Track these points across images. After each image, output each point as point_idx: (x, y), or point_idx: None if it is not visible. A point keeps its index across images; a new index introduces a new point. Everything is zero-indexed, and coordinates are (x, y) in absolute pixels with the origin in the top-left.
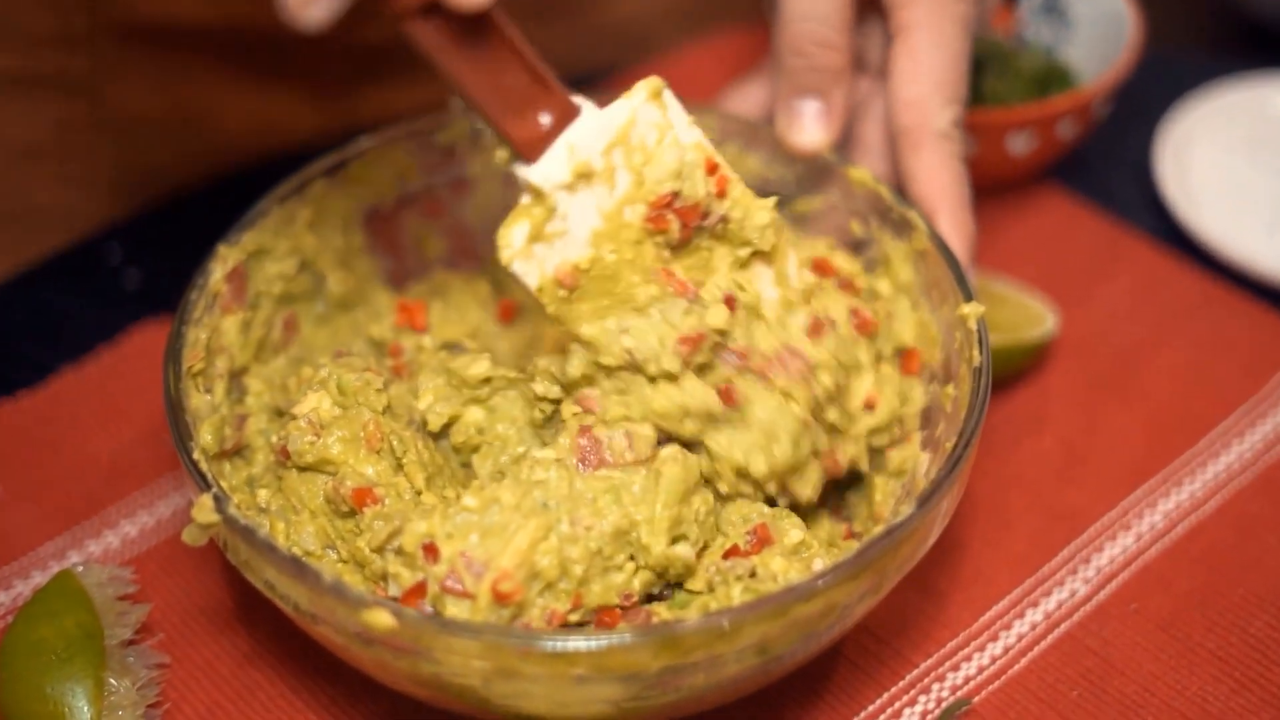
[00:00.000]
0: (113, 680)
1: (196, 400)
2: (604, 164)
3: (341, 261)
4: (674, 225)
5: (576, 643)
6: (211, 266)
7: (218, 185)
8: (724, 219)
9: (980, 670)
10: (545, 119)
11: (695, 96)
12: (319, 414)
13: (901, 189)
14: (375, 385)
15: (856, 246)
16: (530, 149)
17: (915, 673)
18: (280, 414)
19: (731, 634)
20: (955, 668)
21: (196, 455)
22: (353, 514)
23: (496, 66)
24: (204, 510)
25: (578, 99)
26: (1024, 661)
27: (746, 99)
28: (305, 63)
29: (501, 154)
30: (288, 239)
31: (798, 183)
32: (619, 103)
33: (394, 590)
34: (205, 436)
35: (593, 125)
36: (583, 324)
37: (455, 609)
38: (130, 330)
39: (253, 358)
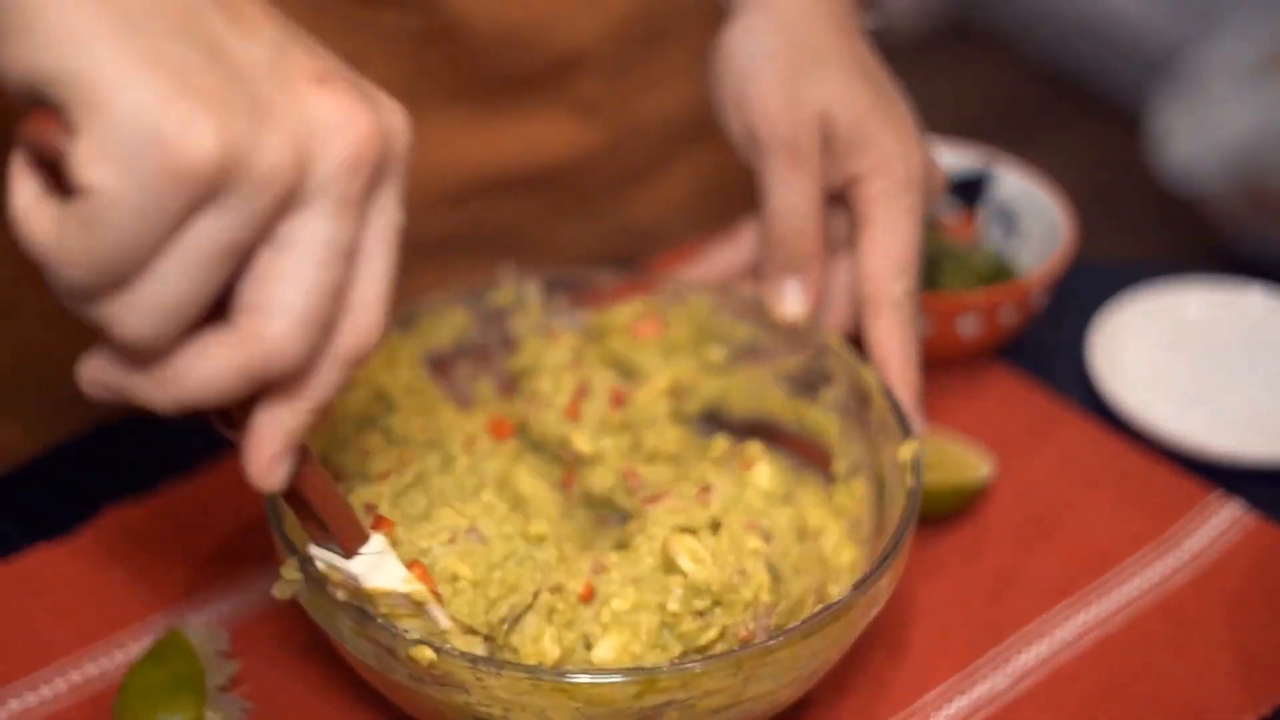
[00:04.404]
0: (211, 714)
1: None
2: None
3: (409, 391)
4: None
5: (576, 678)
6: None
7: None
8: None
9: None
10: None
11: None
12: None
13: (862, 348)
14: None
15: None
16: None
17: None
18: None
19: (701, 676)
20: None
21: (287, 529)
22: None
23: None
24: (290, 569)
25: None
26: None
27: (724, 258)
28: None
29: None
30: (365, 373)
31: (777, 346)
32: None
33: None
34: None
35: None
36: None
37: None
38: (230, 454)
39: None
